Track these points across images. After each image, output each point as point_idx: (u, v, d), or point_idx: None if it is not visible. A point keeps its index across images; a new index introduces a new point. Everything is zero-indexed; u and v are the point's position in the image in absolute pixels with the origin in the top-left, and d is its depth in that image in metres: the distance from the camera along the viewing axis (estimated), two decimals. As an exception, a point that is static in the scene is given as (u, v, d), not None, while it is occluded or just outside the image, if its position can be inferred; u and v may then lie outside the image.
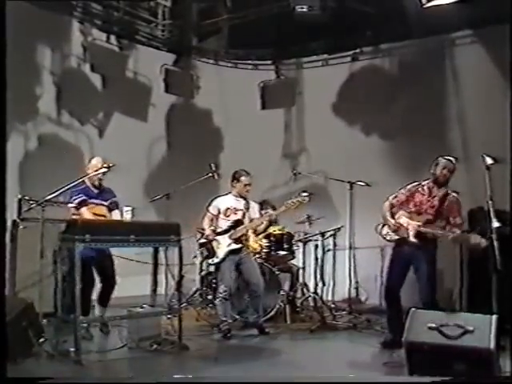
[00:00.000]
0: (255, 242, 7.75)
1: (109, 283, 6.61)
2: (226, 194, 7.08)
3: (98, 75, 9.21)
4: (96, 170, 6.44)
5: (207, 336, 6.74)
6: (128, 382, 4.98)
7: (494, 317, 4.66)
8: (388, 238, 6.29)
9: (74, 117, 8.96)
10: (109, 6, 9.29)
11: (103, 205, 6.60)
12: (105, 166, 6.36)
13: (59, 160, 8.21)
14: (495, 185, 5.35)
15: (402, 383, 4.81)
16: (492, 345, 4.48)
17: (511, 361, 4.78)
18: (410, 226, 5.99)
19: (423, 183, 6.18)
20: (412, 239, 5.96)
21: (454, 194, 6.06)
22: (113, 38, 9.51)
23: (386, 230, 6.30)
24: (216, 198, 7.10)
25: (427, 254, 6.01)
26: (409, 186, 6.25)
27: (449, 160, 6.07)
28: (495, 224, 5.19)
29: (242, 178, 6.91)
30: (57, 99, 8.73)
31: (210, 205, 7.05)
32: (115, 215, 6.58)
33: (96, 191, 6.56)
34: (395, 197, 6.28)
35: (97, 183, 6.55)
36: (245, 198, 6.96)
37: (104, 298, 6.62)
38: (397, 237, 6.15)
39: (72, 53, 9.03)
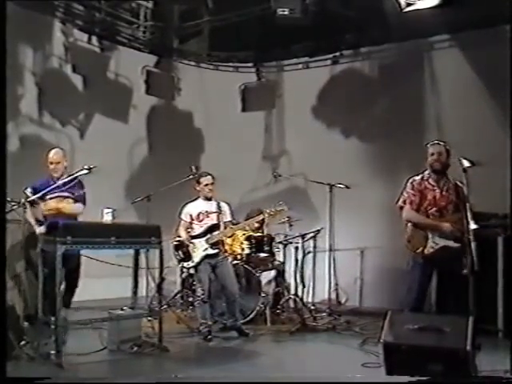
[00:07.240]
0: (236, 244, 7.80)
1: (73, 282, 6.50)
2: (196, 199, 6.98)
3: (79, 76, 9.21)
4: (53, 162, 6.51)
5: (187, 338, 6.74)
6: (127, 382, 5.00)
7: (471, 318, 4.74)
8: (437, 246, 5.67)
9: (55, 118, 8.95)
10: (90, 7, 9.29)
11: (64, 196, 6.45)
12: (85, 167, 6.29)
13: (40, 161, 8.17)
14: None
15: (380, 383, 4.87)
16: (468, 345, 4.56)
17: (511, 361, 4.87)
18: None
19: (424, 177, 5.81)
20: (455, 244, 5.59)
21: (461, 185, 5.57)
22: (94, 39, 9.52)
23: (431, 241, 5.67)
24: (186, 204, 6.99)
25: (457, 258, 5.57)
26: (414, 184, 5.81)
27: (435, 143, 5.81)
28: (472, 226, 5.25)
29: (202, 179, 6.88)
30: (38, 100, 8.72)
31: (181, 212, 6.97)
32: (77, 208, 6.50)
33: (59, 182, 6.34)
34: (411, 202, 5.77)
35: (56, 175, 6.46)
36: (212, 200, 6.89)
37: (67, 298, 6.47)
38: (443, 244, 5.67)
39: (53, 53, 9.03)
